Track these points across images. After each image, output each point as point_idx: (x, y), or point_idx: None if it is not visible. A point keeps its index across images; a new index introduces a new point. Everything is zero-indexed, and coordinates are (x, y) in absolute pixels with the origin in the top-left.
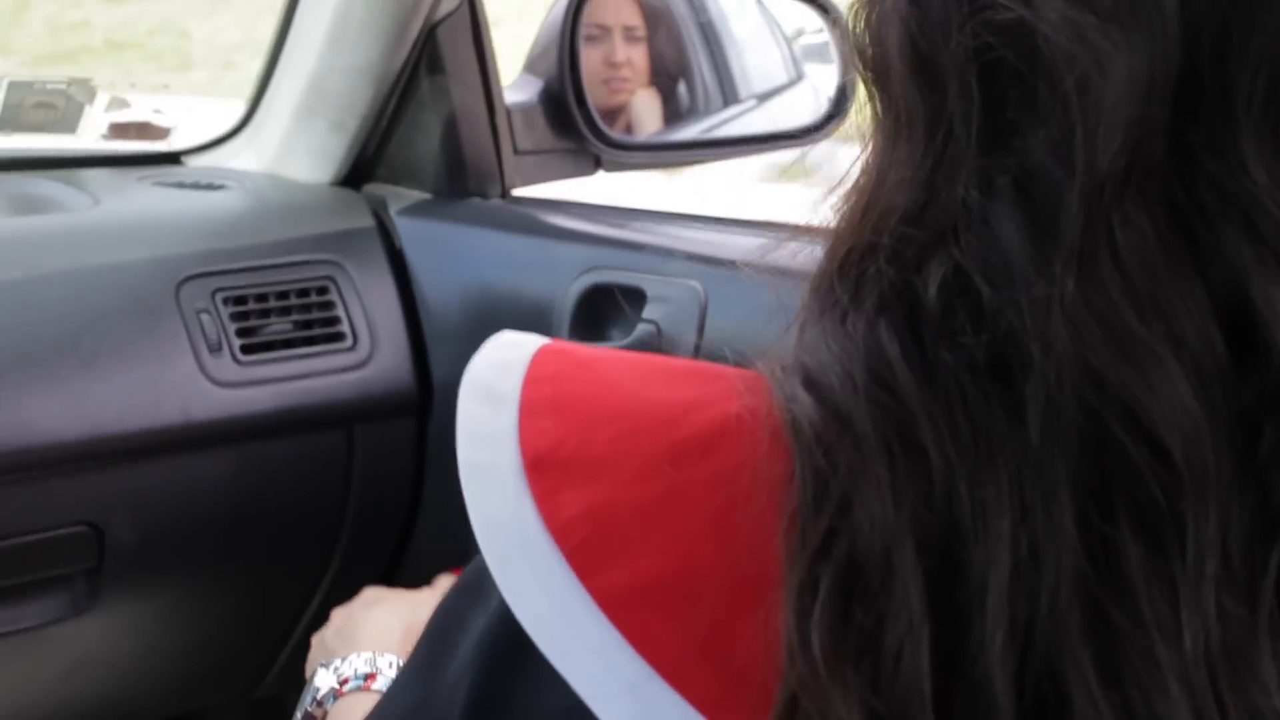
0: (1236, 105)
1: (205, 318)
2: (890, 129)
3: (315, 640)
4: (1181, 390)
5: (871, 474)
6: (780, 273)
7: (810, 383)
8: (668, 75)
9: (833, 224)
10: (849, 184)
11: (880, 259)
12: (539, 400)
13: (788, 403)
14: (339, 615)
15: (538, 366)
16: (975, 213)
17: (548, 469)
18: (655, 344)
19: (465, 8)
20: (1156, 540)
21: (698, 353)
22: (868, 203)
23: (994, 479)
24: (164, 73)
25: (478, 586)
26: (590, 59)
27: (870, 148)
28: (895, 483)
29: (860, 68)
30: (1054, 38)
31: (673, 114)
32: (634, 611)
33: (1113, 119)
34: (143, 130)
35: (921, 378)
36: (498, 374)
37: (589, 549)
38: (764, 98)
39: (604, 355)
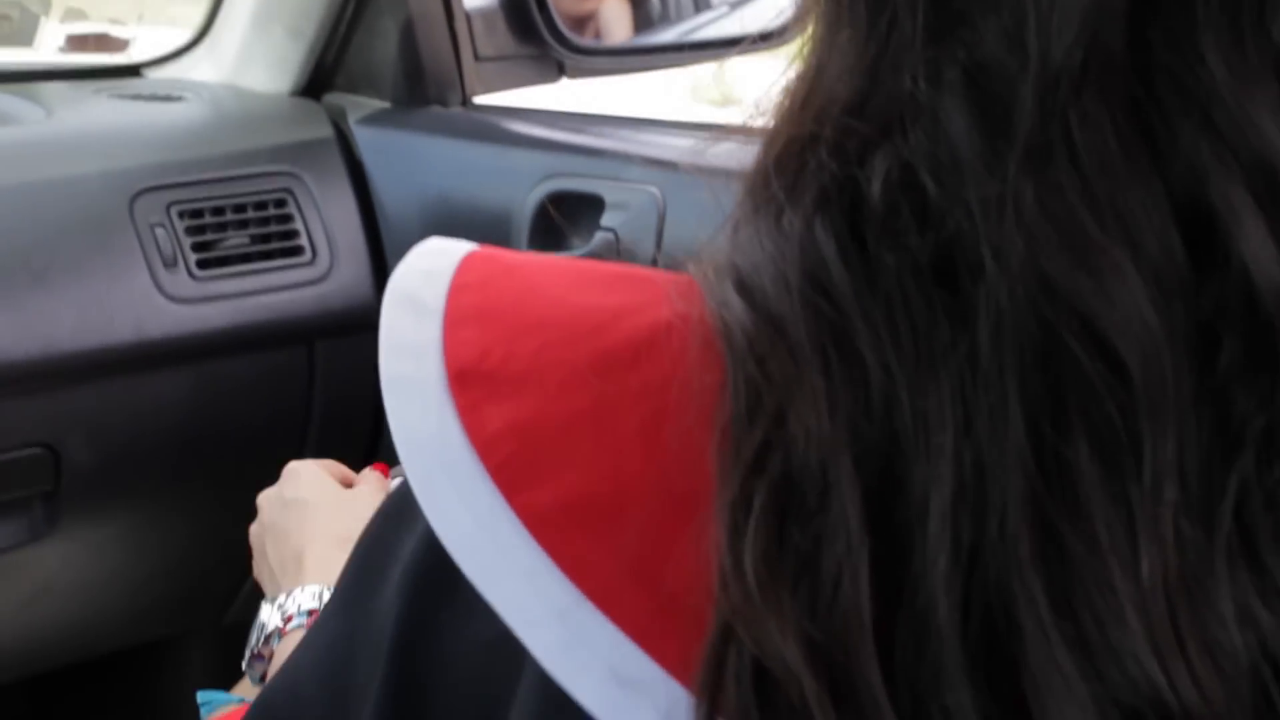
0: None
1: (160, 232)
2: (831, 15)
3: (253, 535)
4: (1140, 301)
5: (806, 383)
6: (733, 174)
7: (742, 286)
8: None
9: (772, 114)
10: (788, 79)
11: (821, 152)
12: (464, 309)
13: (719, 307)
14: (267, 506)
15: (464, 273)
16: (923, 106)
17: (472, 381)
18: (613, 252)
19: None
20: (1113, 460)
21: (656, 260)
22: (807, 94)
23: (936, 389)
24: (178, 3)
25: (404, 509)
26: None
27: (811, 38)
28: (831, 392)
29: None
30: None
31: (643, 21)
32: (561, 531)
33: (1068, 7)
34: (101, 42)
35: (860, 280)
36: (423, 282)
37: (514, 465)
38: (737, 4)
39: (532, 260)
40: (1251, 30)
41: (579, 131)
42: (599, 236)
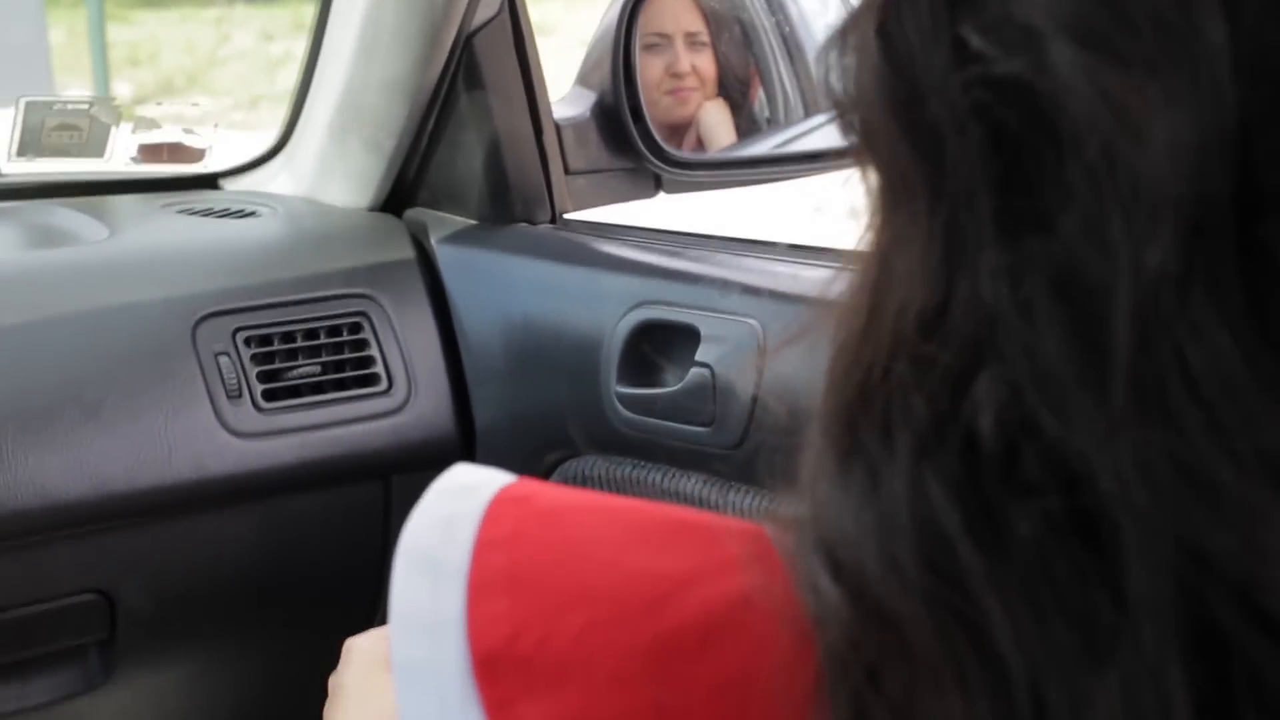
0: None
1: (224, 360)
2: (888, 201)
3: None
4: None
5: (936, 702)
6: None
7: (838, 568)
8: (739, 83)
9: (837, 326)
10: (853, 268)
11: (906, 383)
12: (492, 573)
13: (809, 593)
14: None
15: (492, 523)
16: (1011, 323)
17: (502, 671)
18: (709, 390)
19: (505, 15)
20: None
21: (755, 402)
22: (874, 301)
23: (1104, 691)
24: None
25: None
26: (651, 69)
27: (871, 226)
28: (972, 715)
29: (840, 119)
30: (1068, 95)
31: (747, 125)
32: None
33: (1158, 200)
34: (175, 151)
35: (994, 558)
36: (442, 536)
37: None
38: None
39: (574, 504)
40: None
41: (674, 254)
42: (693, 373)
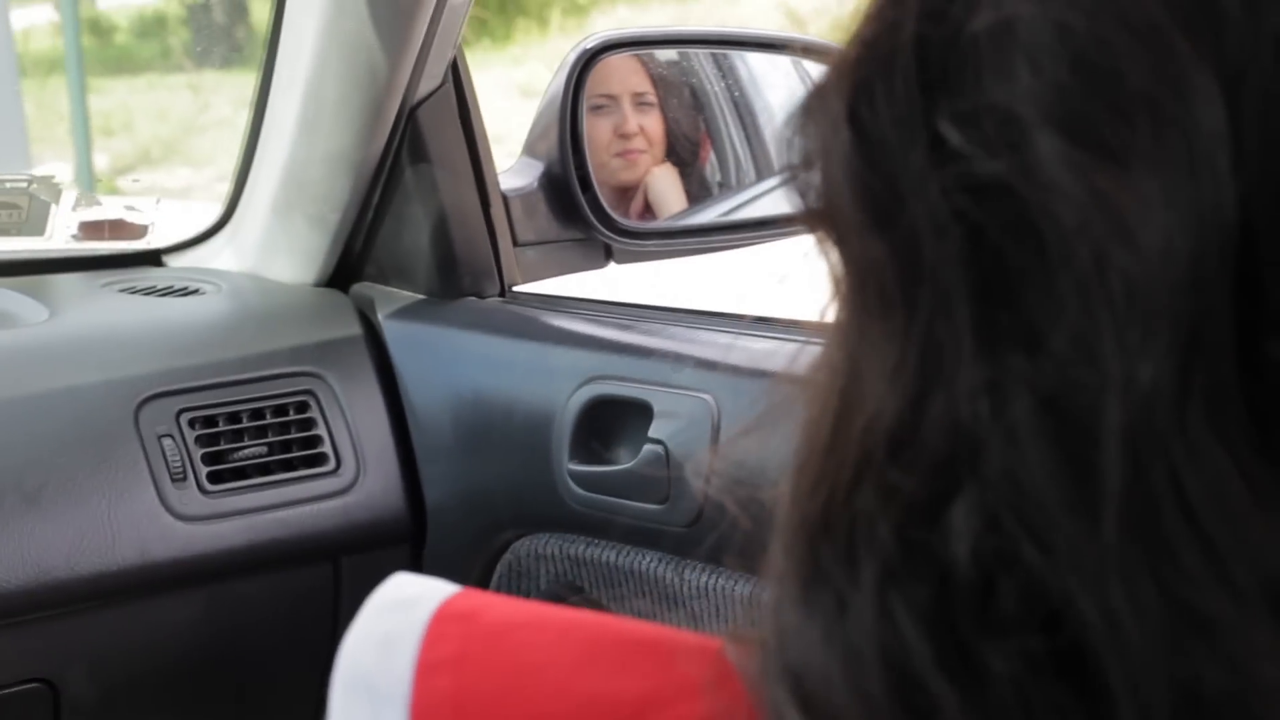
0: None
1: (168, 443)
2: (858, 301)
3: None
4: None
5: None
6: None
7: (805, 699)
8: (689, 144)
9: (800, 434)
10: (815, 372)
11: (872, 506)
12: (437, 699)
13: None
14: None
15: (434, 643)
16: (989, 442)
17: None
18: (662, 467)
19: (449, 86)
20: None
21: (710, 480)
22: (840, 410)
23: None
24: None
25: None
26: (599, 130)
27: (836, 320)
28: None
29: (803, 209)
30: (1054, 197)
31: (698, 188)
32: None
33: (1151, 310)
34: (117, 228)
35: (968, 694)
36: (379, 657)
37: None
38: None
39: (522, 620)
40: None
41: (626, 328)
42: (647, 450)
